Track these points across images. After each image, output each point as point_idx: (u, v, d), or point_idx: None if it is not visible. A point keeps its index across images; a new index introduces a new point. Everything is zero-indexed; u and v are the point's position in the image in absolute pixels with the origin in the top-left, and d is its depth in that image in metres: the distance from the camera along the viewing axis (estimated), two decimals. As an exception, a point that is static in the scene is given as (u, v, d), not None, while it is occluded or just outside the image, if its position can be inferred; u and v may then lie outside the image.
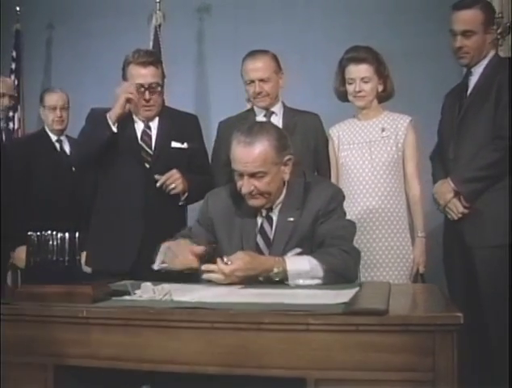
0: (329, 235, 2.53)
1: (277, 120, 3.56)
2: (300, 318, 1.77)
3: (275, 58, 3.59)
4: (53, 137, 4.44)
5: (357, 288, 2.23)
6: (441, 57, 3.92)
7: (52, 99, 4.43)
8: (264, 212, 2.65)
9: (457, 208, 3.23)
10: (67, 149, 4.43)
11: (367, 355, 1.73)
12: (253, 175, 2.52)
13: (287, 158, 2.59)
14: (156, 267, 2.54)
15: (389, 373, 1.73)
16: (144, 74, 3.34)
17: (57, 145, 4.44)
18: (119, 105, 3.29)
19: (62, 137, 4.46)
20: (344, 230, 2.60)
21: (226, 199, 2.71)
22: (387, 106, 3.57)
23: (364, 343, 1.74)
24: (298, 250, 2.54)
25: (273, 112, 3.60)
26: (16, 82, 5.65)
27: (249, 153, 2.50)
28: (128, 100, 3.29)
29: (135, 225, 3.30)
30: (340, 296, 2.01)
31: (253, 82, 3.52)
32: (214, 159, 3.62)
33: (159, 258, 2.55)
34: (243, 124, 2.71)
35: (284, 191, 2.65)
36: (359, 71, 3.42)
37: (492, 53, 3.33)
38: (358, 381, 1.74)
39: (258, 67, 3.52)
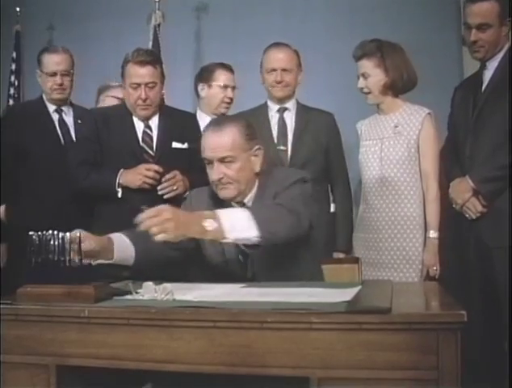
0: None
1: (290, 117, 3.60)
2: (303, 316, 1.75)
3: (297, 54, 3.70)
4: (51, 107, 3.81)
5: (359, 287, 2.22)
6: (443, 53, 3.91)
7: (52, 61, 3.75)
8: (236, 206, 2.62)
9: (476, 208, 3.17)
10: (69, 121, 3.83)
11: (370, 353, 1.72)
12: (222, 161, 2.53)
13: (256, 147, 2.61)
14: (93, 262, 2.39)
15: (393, 371, 1.72)
16: (141, 74, 3.34)
17: (55, 116, 3.81)
18: (135, 185, 3.30)
19: (64, 107, 3.84)
20: (292, 196, 2.51)
21: (207, 199, 2.69)
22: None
23: (367, 342, 1.73)
24: None
25: (286, 108, 3.61)
26: (16, 83, 5.65)
27: (218, 138, 2.54)
28: (145, 183, 3.29)
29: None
30: (342, 294, 2.00)
31: (274, 70, 3.55)
32: None
33: None
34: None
35: (256, 186, 2.64)
36: (360, 67, 3.41)
37: (507, 46, 3.26)
38: (361, 380, 1.73)
39: (282, 57, 3.61)
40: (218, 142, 2.54)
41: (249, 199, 2.63)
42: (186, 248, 2.56)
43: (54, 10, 5.83)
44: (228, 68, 4.02)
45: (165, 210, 2.16)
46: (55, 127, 3.78)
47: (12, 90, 5.61)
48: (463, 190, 3.21)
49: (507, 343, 2.97)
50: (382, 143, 3.41)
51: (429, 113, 3.39)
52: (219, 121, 2.62)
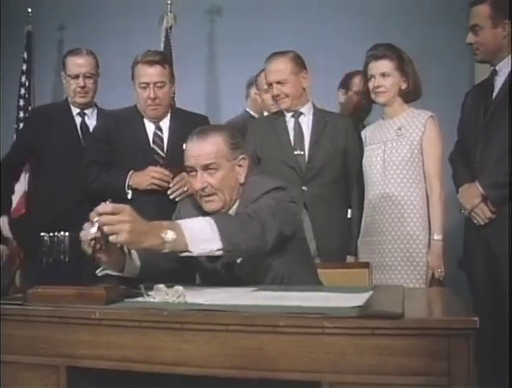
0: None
1: (306, 121, 3.58)
2: (316, 321, 1.75)
3: (296, 59, 3.60)
4: (75, 111, 3.79)
5: (371, 292, 2.21)
6: (453, 59, 3.91)
7: (75, 64, 3.74)
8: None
9: (484, 214, 3.16)
10: (91, 124, 3.79)
11: (382, 358, 1.72)
12: (205, 169, 2.49)
13: (240, 157, 2.58)
14: (99, 273, 2.34)
15: (404, 377, 1.71)
16: (149, 73, 3.37)
17: (78, 119, 3.79)
18: (143, 186, 3.32)
19: (87, 111, 3.82)
20: (261, 205, 2.43)
21: (195, 211, 2.62)
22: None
23: (379, 347, 1.72)
24: None
25: (301, 113, 3.60)
26: (27, 84, 5.67)
27: (202, 145, 2.50)
28: (153, 184, 3.30)
29: None
30: (354, 299, 2.00)
31: (271, 84, 3.53)
32: None
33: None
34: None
35: (239, 197, 2.60)
36: (378, 67, 3.39)
37: None
38: (372, 385, 1.73)
39: (274, 69, 3.54)
40: (201, 150, 2.49)
41: (233, 210, 2.59)
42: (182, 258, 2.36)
43: (65, 11, 5.88)
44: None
45: (123, 210, 2.03)
46: (76, 130, 3.75)
47: (23, 91, 5.64)
48: (472, 195, 3.20)
49: (507, 344, 2.96)
50: (385, 146, 3.41)
51: (431, 116, 3.41)
52: (203, 130, 2.56)
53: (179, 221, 2.19)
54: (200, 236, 2.13)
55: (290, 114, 3.62)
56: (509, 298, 3.00)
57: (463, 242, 3.39)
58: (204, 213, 2.51)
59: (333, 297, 2.09)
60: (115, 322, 1.91)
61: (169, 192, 3.30)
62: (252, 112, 4.46)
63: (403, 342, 1.72)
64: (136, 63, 3.40)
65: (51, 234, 2.09)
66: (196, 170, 2.51)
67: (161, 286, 2.10)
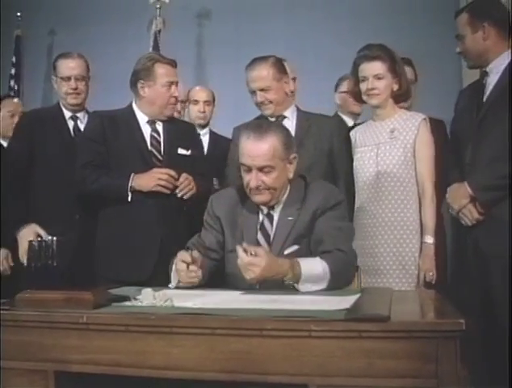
0: (328, 235, 2.55)
1: (290, 124, 3.55)
2: (303, 324, 1.76)
3: (277, 64, 3.54)
4: (67, 114, 3.73)
5: (358, 294, 2.22)
6: (445, 60, 3.92)
7: (67, 66, 3.71)
8: (265, 210, 2.68)
9: (472, 215, 3.14)
10: (83, 128, 3.70)
11: (369, 361, 1.72)
12: (261, 170, 2.56)
13: (292, 155, 2.65)
14: (172, 287, 2.53)
15: (392, 379, 1.72)
16: (173, 73, 3.44)
17: (71, 123, 3.73)
18: (148, 187, 3.29)
19: (79, 114, 3.76)
20: (342, 231, 2.61)
21: (229, 199, 2.75)
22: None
23: (367, 350, 1.73)
24: (296, 247, 2.59)
25: (285, 117, 3.59)
26: (16, 88, 5.66)
27: (259, 146, 2.55)
28: (159, 185, 3.30)
29: (151, 235, 3.27)
30: (342, 302, 2.00)
31: (254, 91, 3.52)
32: (230, 163, 3.61)
33: (173, 277, 2.55)
34: (252, 122, 2.75)
35: (287, 191, 2.69)
36: (372, 68, 3.35)
37: (507, 52, 3.24)
38: (360, 388, 1.74)
39: (257, 77, 3.50)
40: (259, 151, 2.55)
41: (280, 202, 2.68)
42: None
43: (55, 15, 5.86)
44: None
45: (260, 256, 2.30)
46: (70, 134, 3.71)
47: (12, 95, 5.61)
48: (460, 196, 3.19)
49: (507, 344, 2.96)
50: (378, 148, 3.39)
51: (424, 118, 3.40)
52: (260, 128, 2.60)
53: (300, 262, 2.39)
54: (313, 277, 2.39)
55: (273, 119, 3.61)
56: (509, 298, 3.00)
57: (453, 242, 3.38)
58: (241, 206, 2.72)
59: (321, 300, 2.10)
60: (103, 327, 1.91)
61: (177, 191, 3.31)
62: None
63: (390, 344, 1.73)
64: (154, 62, 3.41)
65: (39, 239, 2.09)
66: (251, 169, 2.57)
67: (149, 290, 2.11)
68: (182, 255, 2.48)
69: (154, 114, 3.43)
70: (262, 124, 2.66)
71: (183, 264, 2.45)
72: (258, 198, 2.62)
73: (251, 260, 2.29)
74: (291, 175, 2.66)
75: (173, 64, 3.46)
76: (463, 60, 3.40)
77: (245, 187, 2.63)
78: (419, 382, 1.71)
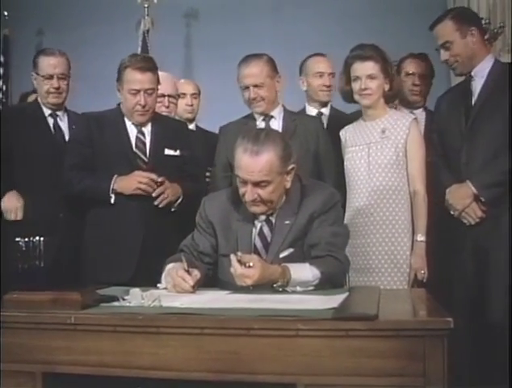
0: (323, 240, 2.54)
1: (276, 124, 3.55)
2: (290, 323, 1.76)
3: (270, 62, 3.56)
4: (46, 112, 3.64)
5: (346, 294, 2.22)
6: (435, 61, 3.91)
7: (49, 64, 3.59)
8: (264, 217, 2.65)
9: (476, 213, 3.18)
10: (63, 126, 3.67)
11: (356, 360, 1.73)
12: (257, 184, 2.52)
13: (290, 167, 2.60)
14: (161, 287, 2.48)
15: (379, 378, 1.72)
16: (140, 80, 3.30)
17: (50, 120, 3.65)
18: (129, 190, 3.27)
19: (59, 112, 3.68)
20: (338, 238, 2.61)
21: (223, 203, 2.72)
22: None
23: (354, 349, 1.73)
24: (291, 250, 2.57)
25: (272, 116, 3.59)
26: (4, 88, 5.63)
27: (256, 162, 2.49)
28: (139, 189, 3.28)
29: (133, 236, 3.27)
30: (329, 301, 2.01)
31: (247, 88, 3.51)
32: (216, 163, 3.62)
33: (163, 280, 2.50)
34: (249, 131, 2.69)
35: (284, 198, 2.65)
36: (365, 68, 3.34)
37: (490, 55, 3.34)
38: (348, 387, 1.74)
39: (252, 73, 3.50)
40: (255, 167, 2.49)
41: (276, 212, 2.65)
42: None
43: (43, 15, 5.82)
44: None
45: (254, 268, 2.30)
46: (50, 131, 3.64)
47: (0, 95, 5.59)
48: (463, 196, 3.22)
49: (508, 343, 2.98)
50: (369, 148, 3.39)
51: (415, 118, 3.41)
52: (257, 141, 2.52)
53: (290, 268, 2.40)
54: (303, 281, 2.41)
55: (261, 118, 3.60)
56: (509, 297, 3.02)
57: (449, 242, 3.38)
58: (236, 210, 2.68)
59: (308, 300, 2.10)
60: (91, 327, 1.91)
61: (160, 205, 3.29)
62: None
63: (378, 343, 1.73)
64: (125, 67, 3.33)
65: (26, 239, 2.08)
66: (247, 183, 2.54)
67: (137, 290, 2.11)
68: (184, 275, 2.38)
69: (129, 118, 3.41)
70: (259, 136, 2.56)
71: (183, 283, 2.37)
72: (254, 209, 2.59)
73: (244, 273, 2.28)
74: (288, 185, 2.62)
75: (148, 69, 3.33)
76: (451, 68, 3.43)
77: (241, 196, 2.60)
78: (406, 381, 1.72)
